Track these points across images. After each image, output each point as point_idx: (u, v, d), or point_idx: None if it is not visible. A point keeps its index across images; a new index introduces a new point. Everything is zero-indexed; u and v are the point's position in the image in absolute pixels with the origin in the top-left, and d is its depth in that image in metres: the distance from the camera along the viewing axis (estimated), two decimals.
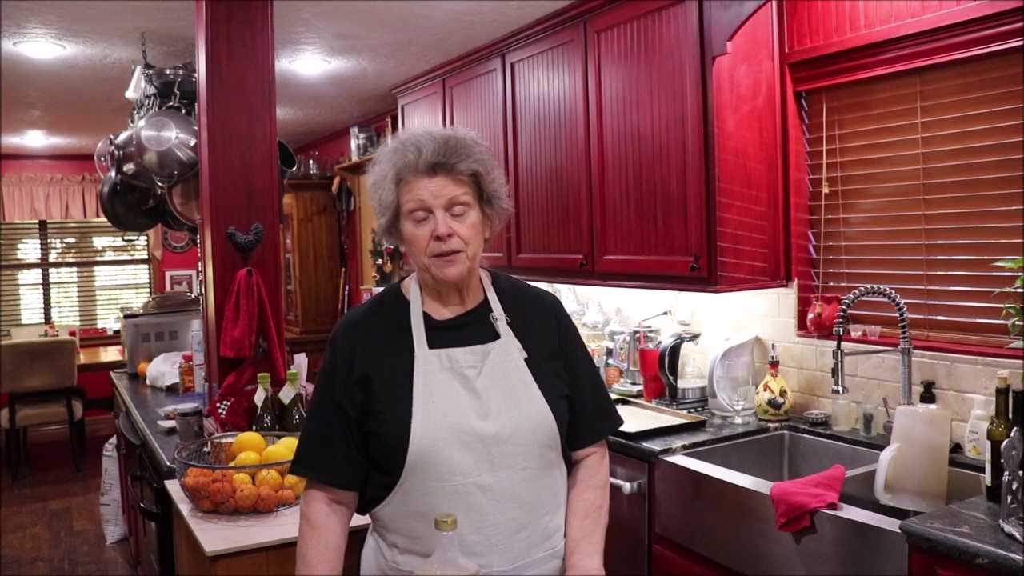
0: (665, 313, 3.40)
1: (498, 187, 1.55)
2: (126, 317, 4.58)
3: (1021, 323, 2.11)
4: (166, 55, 3.82)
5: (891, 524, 1.86)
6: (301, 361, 2.76)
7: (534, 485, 1.52)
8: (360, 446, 1.53)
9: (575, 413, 1.60)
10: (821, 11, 2.72)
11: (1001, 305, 2.27)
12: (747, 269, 2.80)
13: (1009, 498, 1.72)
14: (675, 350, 3.14)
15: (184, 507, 2.15)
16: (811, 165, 2.89)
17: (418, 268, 1.55)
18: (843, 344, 2.42)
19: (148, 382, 4.06)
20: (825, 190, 2.83)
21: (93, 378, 6.43)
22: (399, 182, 1.49)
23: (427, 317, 1.56)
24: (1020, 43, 2.20)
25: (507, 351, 1.55)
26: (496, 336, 1.56)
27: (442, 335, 1.54)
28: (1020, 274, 2.11)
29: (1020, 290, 2.12)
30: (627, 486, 2.60)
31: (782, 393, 2.81)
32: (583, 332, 3.77)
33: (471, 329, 1.56)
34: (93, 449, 6.18)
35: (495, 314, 1.58)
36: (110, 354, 6.77)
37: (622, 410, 3.10)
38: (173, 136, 3.47)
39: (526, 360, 1.55)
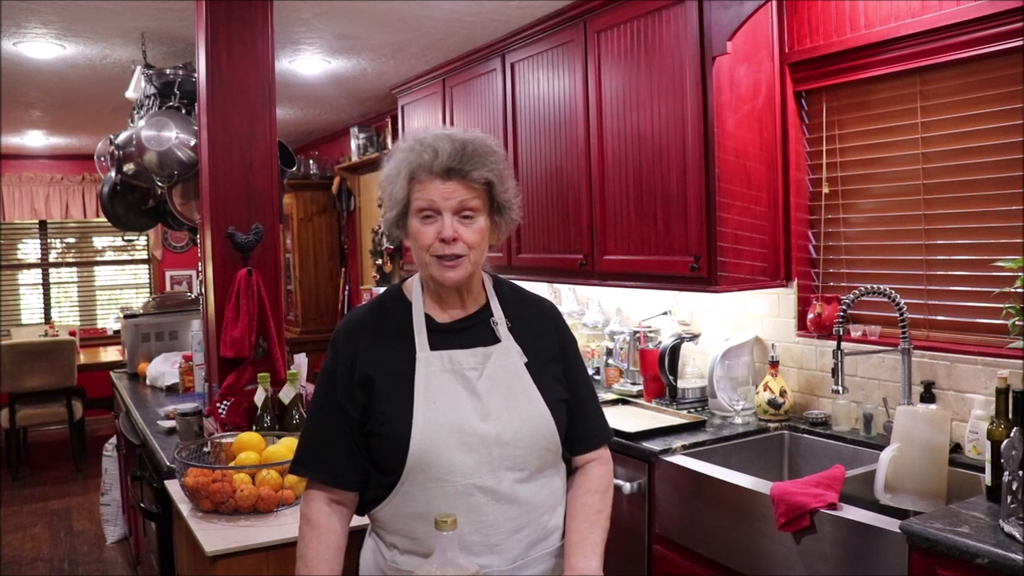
0: (665, 313, 3.40)
1: (510, 197, 1.55)
2: (126, 317, 4.58)
3: (1021, 323, 2.11)
4: (166, 55, 3.82)
5: (891, 524, 1.86)
6: (301, 361, 2.76)
7: (533, 486, 1.52)
8: (361, 447, 1.53)
9: (573, 418, 1.60)
10: (821, 11, 2.72)
11: (1001, 305, 2.27)
12: (747, 269, 2.80)
13: (1009, 498, 1.72)
14: (675, 350, 3.14)
15: (184, 507, 2.15)
16: (811, 165, 2.89)
17: (419, 265, 1.55)
18: (843, 344, 2.42)
19: (148, 382, 4.06)
20: (825, 190, 2.83)
21: (93, 378, 6.43)
22: (411, 180, 1.49)
23: (429, 319, 1.56)
24: (1020, 43, 2.20)
25: (507, 355, 1.55)
26: (496, 340, 1.56)
27: (444, 337, 1.55)
28: (1020, 274, 2.11)
29: (1020, 290, 2.12)
30: (627, 486, 2.60)
31: (782, 393, 2.81)
32: (583, 332, 3.78)
33: (472, 332, 1.56)
34: (93, 449, 6.18)
35: (496, 318, 1.58)
36: (110, 354, 6.77)
37: (622, 410, 3.12)
38: (173, 136, 3.47)
39: (526, 364, 1.56)
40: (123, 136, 3.71)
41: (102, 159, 4.25)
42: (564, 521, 1.59)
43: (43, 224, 7.95)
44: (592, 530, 1.55)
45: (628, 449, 2.63)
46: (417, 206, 1.49)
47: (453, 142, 1.47)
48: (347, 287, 6.75)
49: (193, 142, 3.44)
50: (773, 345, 2.92)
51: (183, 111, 3.62)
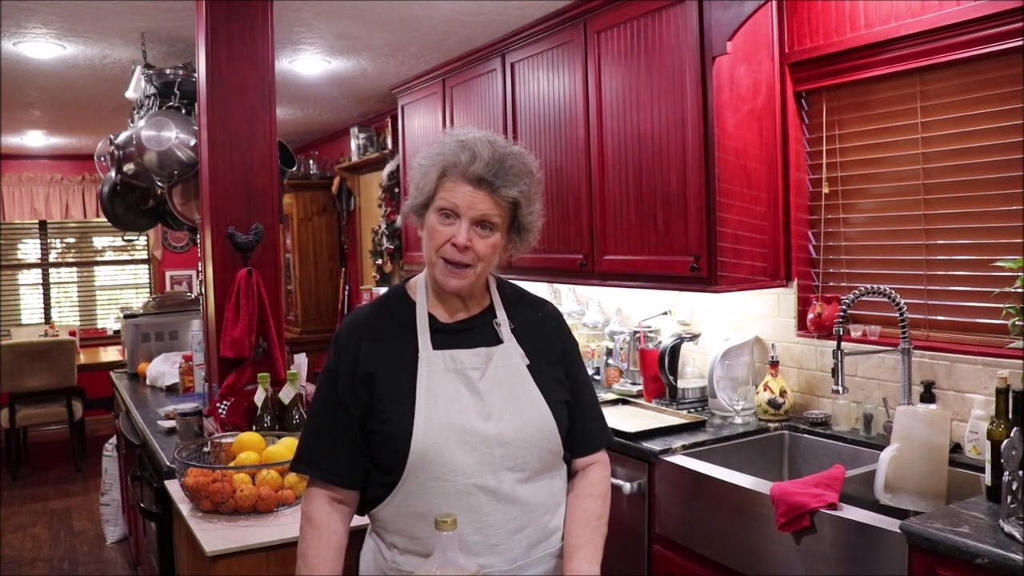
0: (665, 313, 3.40)
1: (533, 220, 1.55)
2: (126, 317, 4.58)
3: (1021, 323, 2.11)
4: (166, 55, 3.82)
5: (891, 524, 1.86)
6: (301, 361, 2.76)
7: (534, 486, 1.52)
8: (362, 445, 1.53)
9: (573, 420, 1.60)
10: (821, 11, 2.72)
11: (1001, 305, 2.27)
12: (747, 269, 2.80)
13: (1009, 498, 1.73)
14: (675, 350, 3.14)
15: (184, 507, 2.15)
16: (811, 165, 2.89)
17: (426, 262, 1.55)
18: (843, 344, 2.42)
19: (148, 382, 4.06)
20: (825, 190, 2.83)
21: (93, 378, 6.43)
22: (442, 176, 1.49)
23: (432, 318, 1.57)
24: (1020, 43, 2.20)
25: (509, 355, 1.55)
26: (499, 341, 1.56)
27: (446, 337, 1.55)
28: (1020, 274, 2.11)
29: (1020, 290, 2.12)
30: (627, 486, 2.60)
31: (782, 393, 2.81)
32: (583, 332, 3.78)
33: (475, 333, 1.57)
34: (93, 449, 6.19)
35: (499, 319, 1.59)
36: (110, 354, 6.77)
37: (622, 410, 3.12)
38: (173, 136, 3.47)
39: (528, 366, 1.56)
40: (123, 136, 3.71)
41: (102, 159, 4.25)
42: (564, 523, 1.59)
43: (43, 224, 7.95)
44: (593, 536, 1.55)
45: (628, 449, 2.63)
46: (440, 204, 1.49)
47: (494, 151, 1.48)
48: (347, 287, 6.75)
49: (193, 142, 3.44)
50: (773, 345, 2.92)
51: (183, 111, 3.62)
